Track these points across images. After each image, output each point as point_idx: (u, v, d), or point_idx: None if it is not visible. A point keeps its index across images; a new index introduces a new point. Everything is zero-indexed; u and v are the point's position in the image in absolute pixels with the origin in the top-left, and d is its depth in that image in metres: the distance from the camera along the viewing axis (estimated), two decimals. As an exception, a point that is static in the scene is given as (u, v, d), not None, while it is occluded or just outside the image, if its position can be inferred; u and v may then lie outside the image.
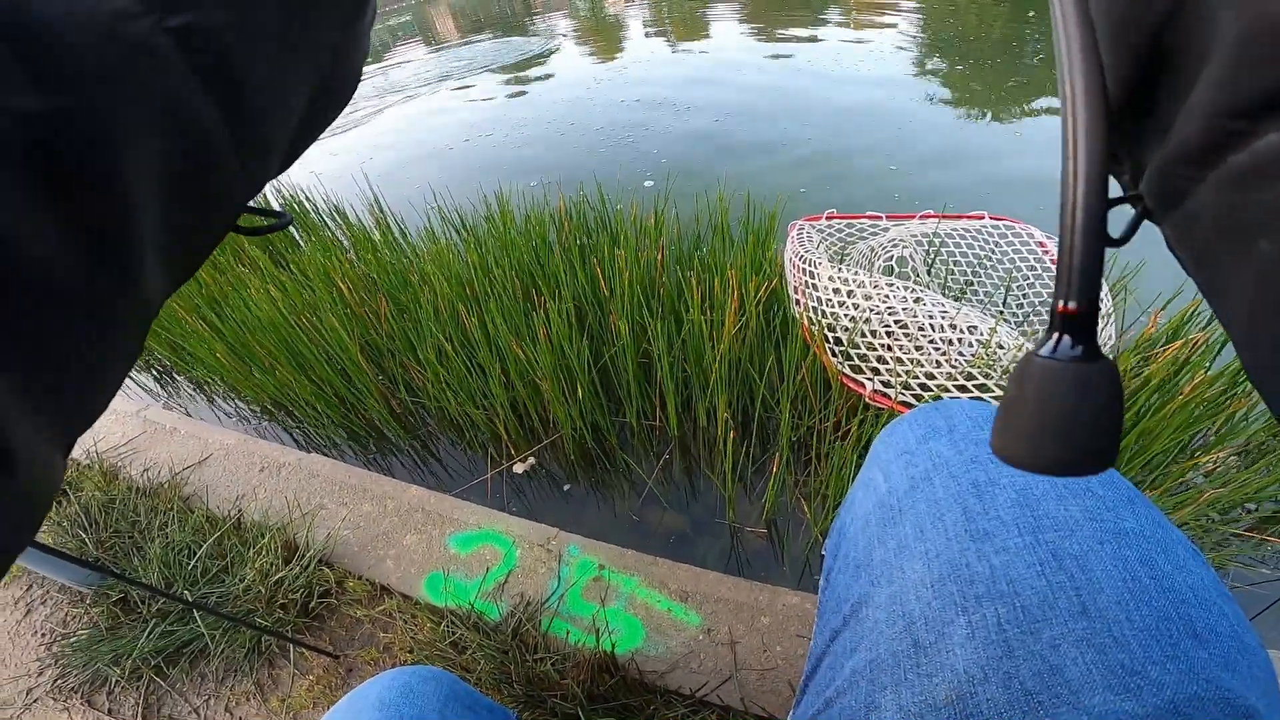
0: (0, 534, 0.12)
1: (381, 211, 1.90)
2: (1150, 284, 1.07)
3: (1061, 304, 0.14)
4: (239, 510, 1.15)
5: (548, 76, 4.50)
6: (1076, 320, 0.14)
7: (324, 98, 0.19)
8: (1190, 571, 0.31)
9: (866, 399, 0.97)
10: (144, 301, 0.14)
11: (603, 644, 0.82)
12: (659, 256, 1.17)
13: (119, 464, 1.34)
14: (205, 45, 0.14)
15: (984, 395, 0.92)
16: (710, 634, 0.84)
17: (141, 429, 1.43)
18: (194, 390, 1.66)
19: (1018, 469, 0.14)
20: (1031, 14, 4.05)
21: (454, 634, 0.87)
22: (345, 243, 1.96)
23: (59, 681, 0.95)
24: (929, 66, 3.39)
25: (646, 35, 5.33)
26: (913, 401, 0.94)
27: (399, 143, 3.60)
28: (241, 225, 0.19)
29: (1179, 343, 0.90)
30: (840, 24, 4.25)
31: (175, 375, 1.72)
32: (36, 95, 0.11)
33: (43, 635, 1.04)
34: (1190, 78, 0.12)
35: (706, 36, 4.44)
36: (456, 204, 1.88)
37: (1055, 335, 0.14)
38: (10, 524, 0.12)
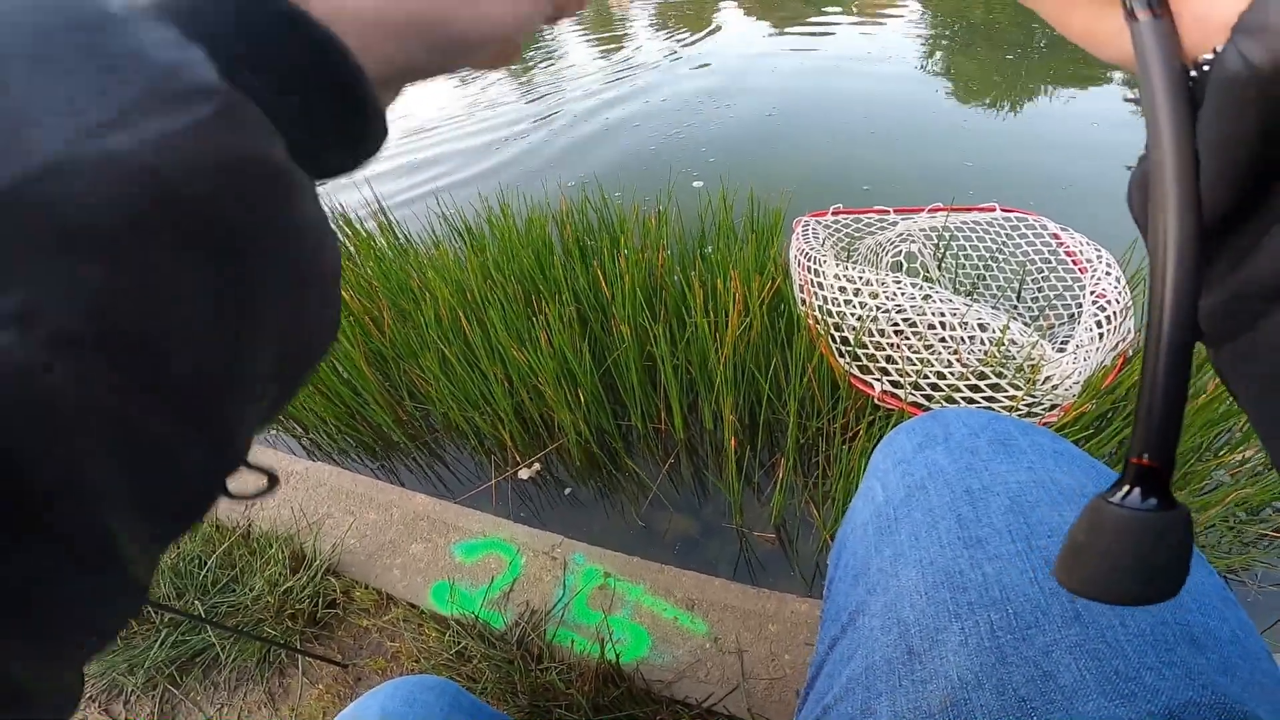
0: None
1: (385, 218, 1.89)
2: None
3: (1137, 457, 0.14)
4: (248, 520, 1.16)
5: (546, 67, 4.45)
6: (1153, 475, 0.14)
7: (293, 364, 0.16)
8: (1191, 577, 0.32)
9: (876, 400, 0.94)
10: (135, 579, 0.13)
11: (608, 653, 0.81)
12: (659, 258, 1.16)
13: (132, 474, 1.35)
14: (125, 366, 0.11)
15: (996, 394, 0.89)
16: (717, 642, 0.83)
17: (154, 438, 1.45)
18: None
19: (1090, 600, 0.15)
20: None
21: (459, 643, 0.87)
22: (350, 248, 1.96)
23: (76, 692, 0.97)
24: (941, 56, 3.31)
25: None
26: (923, 402, 0.92)
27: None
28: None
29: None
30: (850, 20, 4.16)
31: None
32: None
33: (60, 645, 1.06)
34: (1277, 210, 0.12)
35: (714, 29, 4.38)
36: (458, 206, 1.87)
37: (1127, 486, 0.14)
38: None
